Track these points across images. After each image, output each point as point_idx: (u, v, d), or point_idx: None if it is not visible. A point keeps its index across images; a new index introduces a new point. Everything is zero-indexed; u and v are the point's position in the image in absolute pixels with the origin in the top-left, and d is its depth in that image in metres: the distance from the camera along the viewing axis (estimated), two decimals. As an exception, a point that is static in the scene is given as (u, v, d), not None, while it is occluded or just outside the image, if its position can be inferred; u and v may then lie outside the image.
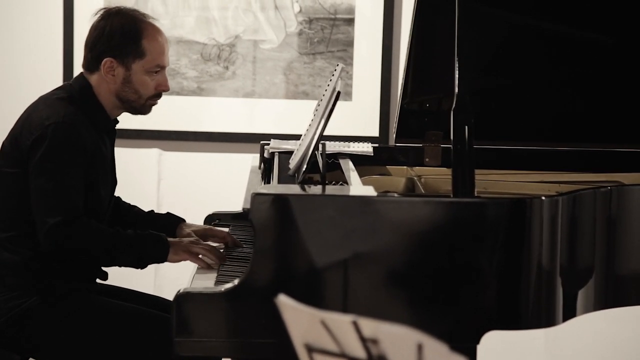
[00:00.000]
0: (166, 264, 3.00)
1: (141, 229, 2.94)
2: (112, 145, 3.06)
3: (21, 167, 2.87)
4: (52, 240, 2.78)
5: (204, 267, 2.88)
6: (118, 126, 3.04)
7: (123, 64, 2.94)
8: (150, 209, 3.24)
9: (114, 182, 3.10)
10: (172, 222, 3.19)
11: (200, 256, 2.89)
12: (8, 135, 2.97)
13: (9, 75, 4.22)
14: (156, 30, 2.98)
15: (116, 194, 3.17)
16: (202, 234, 3.12)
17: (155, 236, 2.89)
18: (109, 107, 2.98)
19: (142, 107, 3.01)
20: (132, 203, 3.27)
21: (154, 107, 3.04)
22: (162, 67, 2.98)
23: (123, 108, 3.01)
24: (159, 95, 3.01)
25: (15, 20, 4.22)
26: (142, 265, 2.88)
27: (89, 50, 2.97)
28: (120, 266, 2.90)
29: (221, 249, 3.07)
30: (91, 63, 2.97)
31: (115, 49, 2.93)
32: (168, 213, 3.23)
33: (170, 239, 2.91)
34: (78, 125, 2.86)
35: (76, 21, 4.15)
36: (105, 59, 2.93)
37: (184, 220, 3.20)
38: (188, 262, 2.92)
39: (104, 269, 3.04)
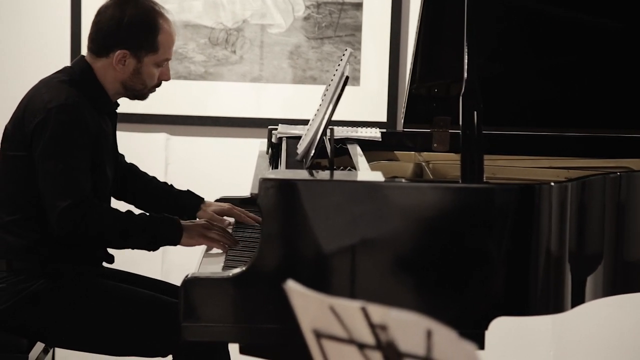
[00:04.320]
0: (174, 249, 2.99)
1: (162, 205, 3.01)
2: (114, 127, 3.06)
3: (25, 150, 2.87)
4: (65, 224, 2.78)
5: (220, 249, 2.87)
6: (125, 111, 3.04)
7: (136, 57, 2.94)
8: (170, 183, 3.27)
9: (116, 164, 3.10)
10: (193, 202, 3.22)
11: (214, 240, 2.89)
12: (11, 119, 2.97)
13: (16, 60, 4.21)
14: (170, 24, 2.99)
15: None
16: (226, 215, 3.19)
17: (169, 219, 2.89)
18: (111, 92, 2.99)
19: (143, 95, 3.04)
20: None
21: (159, 93, 3.08)
22: (169, 60, 3.00)
23: (124, 94, 3.03)
24: (159, 85, 3.05)
25: (22, 5, 4.21)
26: (155, 248, 2.89)
27: (102, 37, 2.95)
28: (132, 249, 2.90)
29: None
30: (102, 49, 2.95)
31: (132, 43, 2.93)
32: (188, 191, 3.25)
33: (183, 222, 2.91)
34: (80, 106, 2.86)
35: (84, 6, 4.13)
36: (119, 50, 2.93)
37: (203, 200, 3.22)
38: (196, 247, 2.92)
39: (110, 251, 3.05)
